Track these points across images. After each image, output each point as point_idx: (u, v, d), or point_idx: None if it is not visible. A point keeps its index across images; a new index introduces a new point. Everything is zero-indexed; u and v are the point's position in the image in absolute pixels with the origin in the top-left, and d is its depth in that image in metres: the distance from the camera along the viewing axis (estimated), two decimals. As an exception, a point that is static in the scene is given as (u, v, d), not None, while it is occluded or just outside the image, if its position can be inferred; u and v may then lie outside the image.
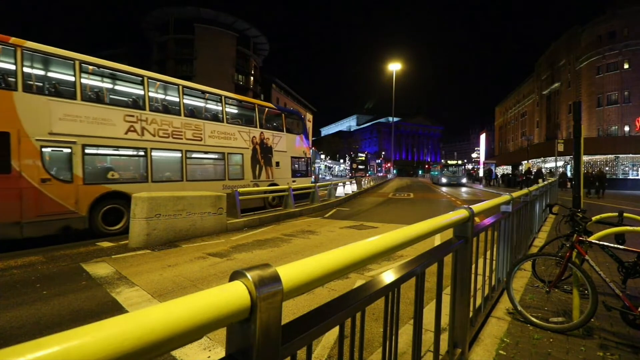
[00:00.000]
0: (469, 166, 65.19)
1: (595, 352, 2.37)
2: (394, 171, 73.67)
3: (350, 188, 18.58)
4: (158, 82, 9.58)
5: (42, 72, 7.74)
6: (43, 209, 6.65)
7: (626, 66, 29.94)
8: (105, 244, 6.62)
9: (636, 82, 29.27)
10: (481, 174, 43.41)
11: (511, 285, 2.96)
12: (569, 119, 33.20)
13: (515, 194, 3.96)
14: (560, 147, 22.05)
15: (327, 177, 51.80)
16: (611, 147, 29.28)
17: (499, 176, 33.52)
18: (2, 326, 3.06)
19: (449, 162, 37.93)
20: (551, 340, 2.55)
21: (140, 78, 8.82)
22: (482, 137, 51.03)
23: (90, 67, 7.99)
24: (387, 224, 9.16)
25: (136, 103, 8.77)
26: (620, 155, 29.00)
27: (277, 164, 13.24)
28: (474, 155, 75.58)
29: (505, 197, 3.54)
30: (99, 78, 8.75)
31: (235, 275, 0.73)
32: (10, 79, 6.57)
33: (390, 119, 56.36)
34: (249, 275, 0.71)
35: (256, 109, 12.50)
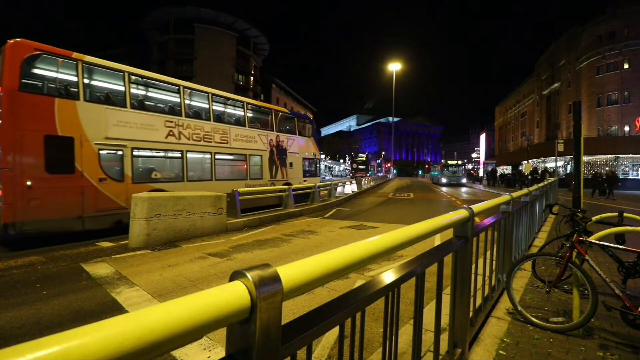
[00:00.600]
0: (469, 166, 65.23)
1: (595, 352, 2.37)
2: (394, 171, 73.62)
3: (351, 188, 18.60)
4: (190, 90, 10.34)
5: (98, 83, 8.42)
6: (100, 205, 7.39)
7: (626, 66, 29.94)
8: (105, 244, 6.63)
9: (636, 82, 29.27)
10: (481, 173, 43.38)
11: (511, 285, 2.96)
12: (569, 119, 33.19)
13: (515, 194, 3.95)
14: (561, 147, 22.01)
15: (327, 177, 51.77)
16: (611, 147, 29.29)
17: (497, 176, 33.47)
18: (2, 326, 3.06)
19: (449, 162, 37.97)
20: (551, 340, 2.55)
21: (177, 87, 9.69)
22: (482, 137, 51.10)
23: (135, 77, 8.72)
24: (387, 224, 9.16)
25: (173, 110, 9.57)
26: (620, 155, 29.02)
27: (291, 164, 14.06)
28: (474, 155, 75.69)
29: (505, 197, 3.53)
30: (143, 87, 9.61)
31: (235, 275, 0.73)
32: (72, 89, 7.25)
33: (390, 119, 56.34)
34: (249, 275, 0.71)
35: (272, 114, 13.33)
